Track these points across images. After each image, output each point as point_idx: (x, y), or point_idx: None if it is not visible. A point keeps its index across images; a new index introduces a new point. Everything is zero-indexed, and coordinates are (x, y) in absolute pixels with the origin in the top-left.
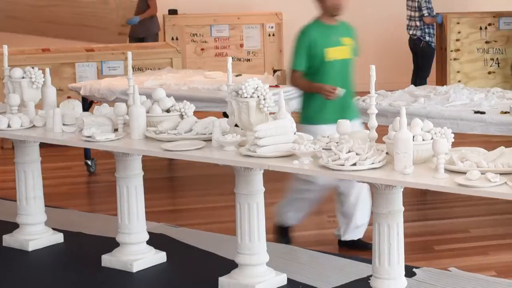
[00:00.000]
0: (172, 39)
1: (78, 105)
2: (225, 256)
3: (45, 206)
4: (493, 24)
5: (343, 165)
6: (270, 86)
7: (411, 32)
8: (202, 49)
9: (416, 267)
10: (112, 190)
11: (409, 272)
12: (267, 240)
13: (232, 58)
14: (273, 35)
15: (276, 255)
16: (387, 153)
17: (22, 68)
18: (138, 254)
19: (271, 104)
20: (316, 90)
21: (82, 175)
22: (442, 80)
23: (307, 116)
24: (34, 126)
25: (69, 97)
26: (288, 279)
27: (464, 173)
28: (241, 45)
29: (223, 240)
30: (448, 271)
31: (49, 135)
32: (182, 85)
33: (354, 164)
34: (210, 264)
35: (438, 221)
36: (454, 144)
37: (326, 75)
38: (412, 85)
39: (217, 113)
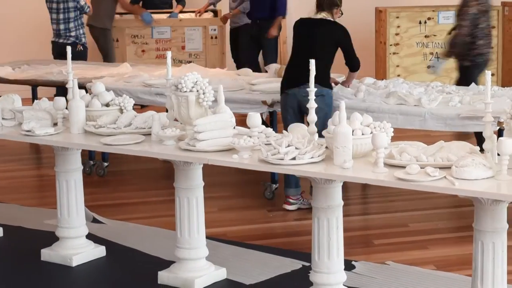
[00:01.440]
0: (113, 40)
1: (18, 99)
2: (165, 251)
3: None
4: (433, 18)
5: (283, 159)
6: None
7: None
8: (143, 51)
9: (356, 261)
10: (54, 184)
11: (348, 266)
12: (207, 234)
13: (174, 60)
14: (216, 37)
15: (215, 250)
16: (326, 147)
17: None
18: (77, 248)
19: (210, 98)
20: None
21: (23, 169)
22: (381, 74)
23: None
24: None
25: None
26: (228, 274)
27: (404, 167)
28: (183, 47)
29: (163, 235)
30: (387, 265)
31: None
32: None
33: (294, 158)
34: (150, 258)
35: (378, 215)
36: (393, 139)
37: None
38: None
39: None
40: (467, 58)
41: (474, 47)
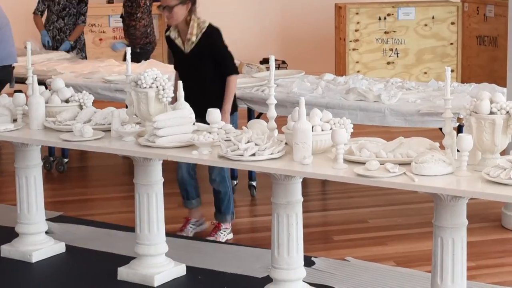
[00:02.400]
0: None
1: None
2: (125, 247)
3: None
4: (392, 14)
5: (242, 155)
6: None
7: None
8: (100, 39)
9: (315, 257)
10: (13, 181)
11: (308, 262)
12: (167, 231)
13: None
14: None
15: (175, 246)
16: (286, 143)
17: None
18: (37, 244)
19: (170, 94)
20: None
21: None
22: (341, 70)
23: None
24: None
25: None
26: (188, 269)
27: (363, 163)
28: None
29: (122, 231)
30: (346, 261)
31: None
32: None
33: (253, 155)
34: (110, 254)
35: (337, 211)
36: (353, 135)
37: None
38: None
39: None
40: (140, 45)
41: (146, 36)
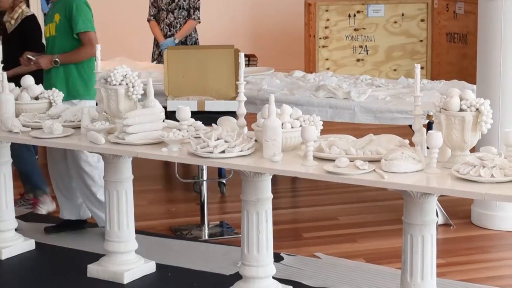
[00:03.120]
0: None
1: None
2: (94, 244)
3: None
4: (362, 11)
5: (212, 152)
6: None
7: None
8: None
9: (285, 254)
10: None
11: (278, 258)
12: (137, 228)
13: None
14: None
15: (145, 243)
16: (256, 140)
17: None
18: (6, 241)
19: (139, 91)
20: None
21: None
22: (310, 67)
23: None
24: None
25: None
26: (157, 266)
27: (333, 160)
28: None
29: (92, 228)
30: (317, 258)
31: None
32: None
33: (223, 152)
34: (80, 251)
35: (307, 208)
36: (323, 132)
37: (47, 51)
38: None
39: None
40: None
41: None
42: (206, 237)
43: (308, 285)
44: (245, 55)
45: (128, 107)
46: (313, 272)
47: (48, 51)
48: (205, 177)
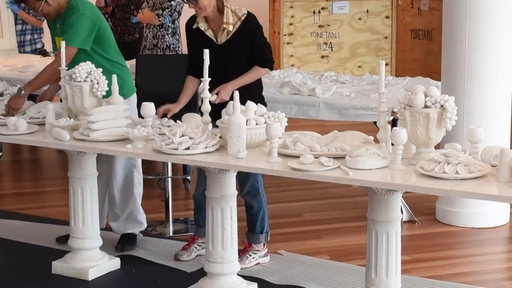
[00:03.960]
0: None
1: None
2: (59, 241)
3: None
4: (326, 8)
5: (177, 149)
6: None
7: None
8: None
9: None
10: None
11: None
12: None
13: None
14: None
15: (109, 239)
16: (220, 137)
17: None
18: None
19: (104, 88)
20: None
21: None
22: (275, 64)
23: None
24: None
25: None
26: (122, 263)
27: (298, 157)
28: None
29: (56, 224)
30: (279, 254)
31: None
32: None
33: (188, 148)
34: (44, 248)
35: (272, 205)
36: (287, 128)
37: None
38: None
39: None
40: None
41: None
42: (171, 234)
43: (272, 283)
44: None
45: (92, 104)
46: (278, 270)
47: None
48: (169, 174)
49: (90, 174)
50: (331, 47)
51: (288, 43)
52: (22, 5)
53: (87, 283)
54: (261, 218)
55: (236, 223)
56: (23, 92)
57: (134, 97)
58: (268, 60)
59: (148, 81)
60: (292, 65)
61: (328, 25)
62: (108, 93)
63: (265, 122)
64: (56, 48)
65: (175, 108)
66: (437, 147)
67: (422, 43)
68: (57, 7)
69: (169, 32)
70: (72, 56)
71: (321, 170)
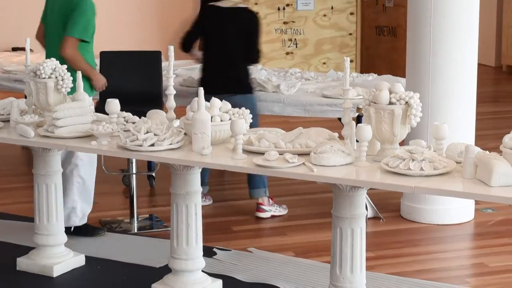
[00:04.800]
0: None
1: None
2: (24, 237)
3: None
4: (291, 4)
5: (141, 145)
6: None
7: None
8: None
9: (218, 248)
10: None
11: (209, 252)
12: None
13: None
14: None
15: (74, 236)
16: (185, 133)
17: None
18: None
19: (69, 85)
20: None
21: None
22: None
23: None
24: None
25: None
26: (87, 259)
27: (262, 153)
28: None
29: (21, 221)
30: (248, 251)
31: None
32: None
33: (153, 145)
34: (9, 244)
35: (237, 201)
36: (252, 125)
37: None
38: None
39: None
40: None
41: None
42: (136, 230)
43: (240, 280)
44: None
45: (57, 100)
46: (245, 267)
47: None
48: (134, 170)
49: (55, 171)
50: (296, 44)
51: None
52: None
53: (52, 280)
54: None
55: (201, 220)
56: None
57: None
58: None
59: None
60: None
61: (293, 22)
62: (73, 90)
63: (230, 119)
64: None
65: None
66: (402, 143)
67: (387, 39)
68: None
69: None
70: (76, 47)
71: (286, 166)
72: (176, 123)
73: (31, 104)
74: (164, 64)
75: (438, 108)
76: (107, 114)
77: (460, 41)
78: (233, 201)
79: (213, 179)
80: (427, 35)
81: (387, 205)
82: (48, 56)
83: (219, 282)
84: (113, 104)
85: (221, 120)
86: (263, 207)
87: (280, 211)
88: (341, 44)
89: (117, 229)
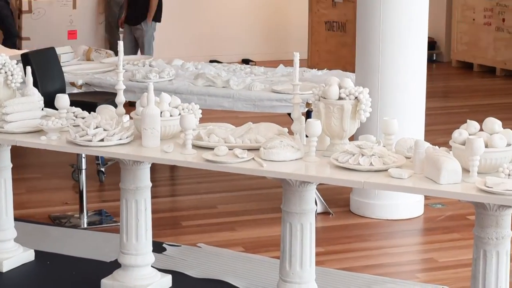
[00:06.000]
0: None
1: None
2: None
3: None
4: None
5: (91, 141)
6: None
7: None
8: None
9: (168, 243)
10: None
11: (159, 248)
12: (15, 216)
13: None
14: None
15: (24, 231)
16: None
17: None
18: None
19: (18, 80)
20: None
21: None
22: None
23: None
24: None
25: None
26: (37, 255)
27: (212, 149)
28: None
29: None
30: (197, 247)
31: None
32: None
33: (102, 140)
34: None
35: (186, 197)
36: (202, 120)
37: None
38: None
39: None
40: None
41: None
42: (85, 226)
43: (189, 275)
44: None
45: (7, 96)
46: (195, 263)
47: None
48: (84, 166)
49: (4, 166)
50: None
51: None
52: None
53: (1, 275)
54: None
55: (150, 215)
56: None
57: None
58: None
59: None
60: None
61: None
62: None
63: (179, 114)
64: None
65: None
66: (352, 138)
67: (336, 34)
68: None
69: None
70: None
71: (235, 162)
72: (126, 118)
73: None
74: (114, 59)
75: (387, 103)
76: (57, 109)
77: (409, 36)
78: (183, 196)
79: (163, 174)
80: (376, 31)
81: (337, 200)
82: None
83: (169, 277)
84: (63, 99)
85: (171, 115)
86: None
87: None
88: None
89: (66, 224)
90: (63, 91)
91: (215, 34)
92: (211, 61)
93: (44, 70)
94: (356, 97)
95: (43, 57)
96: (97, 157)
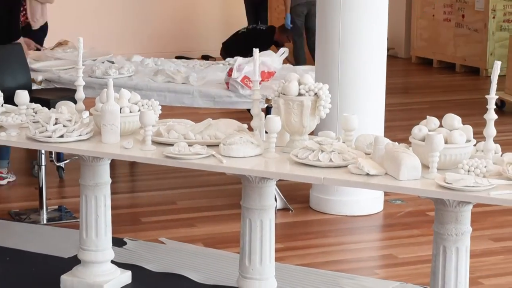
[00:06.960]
0: None
1: None
2: None
3: None
4: None
5: (51, 137)
6: None
7: None
8: None
9: (129, 239)
10: None
11: (119, 243)
12: None
13: None
14: None
15: None
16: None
17: None
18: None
19: None
20: None
21: None
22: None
23: None
24: None
25: None
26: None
27: (172, 145)
28: None
29: None
30: (157, 242)
31: None
32: None
33: (62, 136)
34: None
35: (145, 193)
36: (161, 116)
37: None
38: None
39: None
40: None
41: None
42: (45, 222)
43: (149, 270)
44: None
45: None
46: (155, 257)
47: None
48: (43, 162)
49: None
50: None
51: None
52: None
53: None
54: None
55: (110, 211)
56: None
57: None
58: None
59: None
60: None
61: None
62: None
63: (139, 110)
64: None
65: None
66: (311, 135)
67: None
68: None
69: None
70: None
71: (195, 158)
72: (86, 114)
73: None
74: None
75: (347, 100)
76: (17, 106)
77: (369, 32)
78: (142, 192)
79: (122, 170)
80: (336, 26)
81: (296, 196)
82: None
83: (129, 273)
84: (23, 95)
85: (130, 112)
86: (2, 175)
87: (13, 177)
88: None
89: (26, 220)
90: (27, 87)
91: (178, 30)
92: (177, 57)
93: (6, 66)
94: (315, 93)
95: (5, 52)
96: (50, 153)
